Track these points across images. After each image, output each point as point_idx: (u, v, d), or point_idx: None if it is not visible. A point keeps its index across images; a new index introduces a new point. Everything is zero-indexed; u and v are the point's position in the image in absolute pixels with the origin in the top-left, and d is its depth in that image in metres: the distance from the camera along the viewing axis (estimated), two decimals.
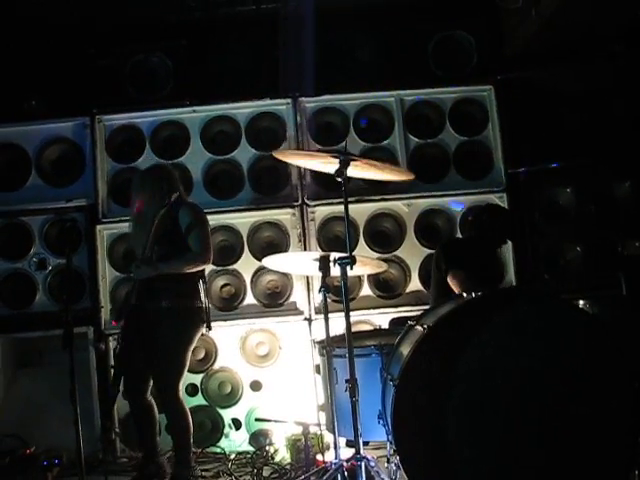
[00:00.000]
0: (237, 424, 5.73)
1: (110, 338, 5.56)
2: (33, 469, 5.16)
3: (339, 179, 3.80)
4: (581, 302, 4.36)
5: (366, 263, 4.38)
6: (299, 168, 5.70)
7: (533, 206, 5.86)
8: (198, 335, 4.76)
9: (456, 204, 5.87)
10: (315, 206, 5.81)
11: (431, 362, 3.45)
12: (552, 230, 5.84)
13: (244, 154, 5.92)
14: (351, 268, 3.81)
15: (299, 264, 4.58)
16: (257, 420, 5.57)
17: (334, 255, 4.00)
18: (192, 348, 4.75)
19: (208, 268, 5.61)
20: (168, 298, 4.62)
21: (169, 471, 4.79)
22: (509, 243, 5.69)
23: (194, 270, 4.66)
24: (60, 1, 5.64)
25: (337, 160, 3.80)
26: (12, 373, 6.00)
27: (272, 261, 4.48)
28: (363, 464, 3.71)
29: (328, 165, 3.90)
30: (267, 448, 5.34)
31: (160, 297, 4.61)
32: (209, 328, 4.78)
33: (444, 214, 5.89)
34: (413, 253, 5.80)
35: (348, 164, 3.77)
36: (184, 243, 4.65)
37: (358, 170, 3.90)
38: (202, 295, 4.75)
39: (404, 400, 3.46)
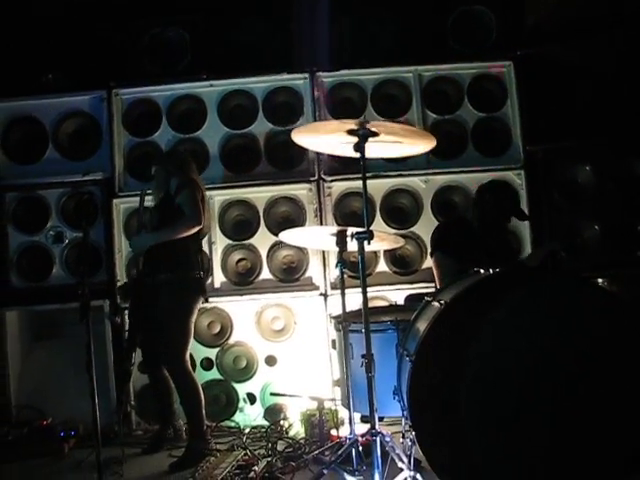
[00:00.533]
0: (252, 398, 5.75)
1: (126, 312, 5.58)
2: (50, 440, 5.25)
3: (358, 154, 3.77)
4: (600, 280, 4.32)
5: (383, 238, 4.37)
6: None
7: (551, 184, 5.79)
8: (198, 305, 4.95)
9: None
10: (332, 181, 5.78)
11: (447, 338, 3.44)
12: (570, 208, 5.78)
13: (261, 128, 5.90)
14: (369, 243, 3.79)
15: (316, 239, 4.57)
16: (272, 395, 5.59)
17: (351, 230, 3.99)
18: (194, 318, 4.92)
19: (223, 242, 5.71)
20: (166, 270, 4.79)
21: (185, 437, 4.89)
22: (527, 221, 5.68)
23: (188, 234, 4.78)
24: None
25: (354, 136, 3.76)
26: (29, 345, 6.06)
27: (289, 235, 4.48)
28: (378, 439, 3.71)
29: (345, 145, 3.86)
30: (281, 423, 5.36)
31: (159, 269, 4.80)
32: (205, 300, 5.07)
33: (461, 190, 5.84)
34: (430, 229, 5.68)
35: (367, 138, 3.74)
36: (176, 210, 4.80)
37: (378, 144, 3.85)
38: (199, 266, 4.94)
39: (420, 376, 3.46)
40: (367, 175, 3.87)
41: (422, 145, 4.04)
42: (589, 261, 5.65)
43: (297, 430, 5.21)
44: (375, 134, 3.76)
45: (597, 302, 3.44)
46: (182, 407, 4.96)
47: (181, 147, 5.86)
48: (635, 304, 3.61)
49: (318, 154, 5.74)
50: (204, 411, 4.90)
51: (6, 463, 5.03)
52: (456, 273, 4.30)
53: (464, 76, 5.94)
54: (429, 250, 5.02)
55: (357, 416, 4.34)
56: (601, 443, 3.34)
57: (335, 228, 4.16)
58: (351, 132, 3.75)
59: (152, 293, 4.82)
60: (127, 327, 5.09)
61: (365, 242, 3.80)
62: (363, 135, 3.73)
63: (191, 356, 5.65)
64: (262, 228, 5.83)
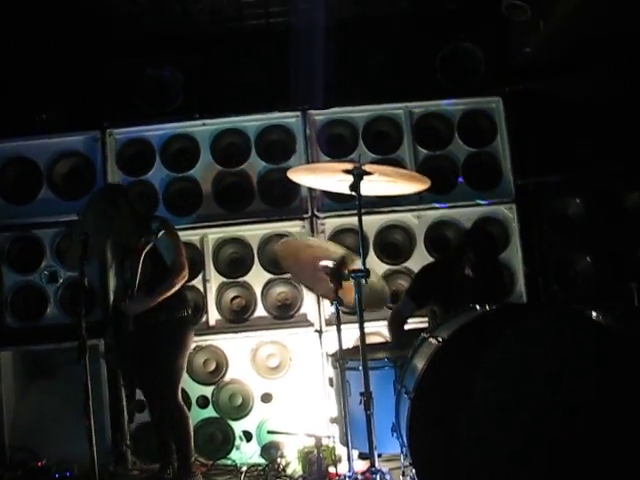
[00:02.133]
0: (248, 436, 5.73)
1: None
2: None
3: (353, 193, 3.82)
4: (593, 313, 4.35)
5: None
6: None
7: (542, 217, 5.86)
8: (191, 341, 5.07)
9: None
10: (325, 218, 5.83)
11: (446, 375, 3.45)
12: (561, 240, 5.84)
13: (254, 166, 5.94)
14: (366, 282, 3.83)
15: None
16: (268, 432, 5.56)
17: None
18: (187, 355, 5.02)
19: (218, 280, 5.75)
20: (160, 312, 4.82)
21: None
22: (518, 253, 5.74)
23: (177, 288, 4.87)
24: (71, 13, 5.65)
25: (350, 175, 3.81)
26: (23, 385, 6.01)
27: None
28: (378, 477, 3.72)
29: (340, 182, 3.91)
30: (279, 460, 5.33)
31: (153, 313, 4.79)
32: None
33: (454, 226, 5.89)
34: (423, 264, 5.79)
35: (362, 177, 3.79)
36: (159, 260, 4.84)
37: (372, 183, 3.90)
38: (188, 304, 5.07)
39: (420, 413, 3.47)
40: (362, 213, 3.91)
41: (416, 186, 4.10)
42: (581, 293, 5.70)
43: (294, 468, 5.17)
44: (370, 173, 3.81)
45: (593, 336, 3.48)
46: (174, 440, 4.99)
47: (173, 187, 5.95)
48: (628, 336, 3.62)
49: (311, 191, 5.79)
50: (192, 445, 4.97)
51: None
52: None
53: (454, 112, 6.01)
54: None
55: (355, 453, 4.35)
56: (604, 474, 3.36)
57: (331, 263, 4.18)
58: (347, 171, 3.81)
59: (147, 334, 4.82)
60: (121, 371, 5.09)
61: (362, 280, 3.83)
62: (358, 175, 3.79)
63: (187, 394, 5.69)
64: (256, 265, 5.85)
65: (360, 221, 3.87)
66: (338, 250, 4.18)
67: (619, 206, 5.85)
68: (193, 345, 5.22)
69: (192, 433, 4.96)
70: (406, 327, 5.47)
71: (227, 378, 5.79)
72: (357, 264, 4.02)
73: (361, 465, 4.21)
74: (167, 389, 4.86)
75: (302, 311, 5.81)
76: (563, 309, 3.64)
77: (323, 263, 4.21)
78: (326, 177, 3.96)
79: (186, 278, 4.94)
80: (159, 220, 4.92)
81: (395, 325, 5.08)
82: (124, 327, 4.80)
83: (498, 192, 5.91)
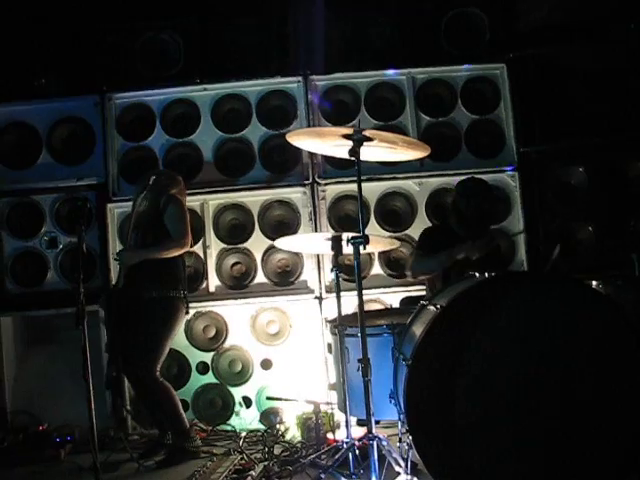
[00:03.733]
0: (248, 402, 5.75)
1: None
2: (46, 446, 5.22)
3: (353, 158, 3.78)
4: (594, 283, 4.33)
5: (378, 241, 4.37)
6: None
7: (545, 185, 5.82)
8: (181, 322, 5.08)
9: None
10: (326, 184, 5.79)
11: (444, 342, 3.45)
12: (564, 210, 5.81)
13: (255, 132, 5.90)
14: (364, 248, 3.81)
15: (311, 244, 4.59)
16: (268, 398, 5.58)
17: (346, 235, 4.01)
18: (175, 334, 5.03)
19: (218, 246, 5.72)
20: (152, 288, 4.88)
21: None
22: (520, 222, 5.71)
23: (174, 255, 4.92)
24: None
25: (350, 140, 3.78)
26: (24, 351, 6.05)
27: (284, 242, 4.50)
28: (375, 443, 3.72)
29: (340, 147, 3.87)
30: (278, 426, 5.36)
31: (144, 285, 4.87)
32: (187, 312, 5.13)
33: None
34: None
35: (362, 142, 3.75)
36: (165, 230, 4.93)
37: (373, 149, 3.86)
38: (185, 283, 5.06)
39: (417, 380, 3.47)
40: (361, 178, 3.88)
41: (416, 152, 4.06)
42: (582, 263, 5.67)
43: (293, 434, 5.20)
44: (370, 139, 3.77)
45: (592, 305, 3.47)
46: (160, 415, 5.04)
47: (175, 151, 5.91)
48: (628, 306, 3.60)
49: (312, 157, 5.75)
50: (182, 411, 4.98)
51: (2, 469, 5.01)
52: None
53: (457, 78, 5.94)
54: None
55: (353, 419, 4.36)
56: (598, 444, 3.36)
57: (330, 234, 4.18)
58: (347, 136, 3.77)
59: (135, 307, 4.88)
60: (107, 336, 5.11)
61: (360, 246, 3.81)
62: (358, 140, 3.75)
63: (187, 360, 5.71)
64: (257, 232, 5.83)
65: (359, 187, 3.83)
66: None
67: (622, 175, 5.81)
68: (193, 311, 5.23)
69: (178, 404, 4.95)
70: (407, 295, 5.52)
71: (227, 344, 5.80)
72: None
73: (359, 431, 4.21)
74: (145, 365, 4.86)
75: (302, 278, 5.80)
76: (562, 278, 3.61)
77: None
78: (326, 141, 3.92)
79: (185, 249, 4.97)
80: (166, 195, 5.00)
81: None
82: (115, 289, 4.92)
83: (501, 160, 5.86)
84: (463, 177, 5.65)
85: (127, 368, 4.97)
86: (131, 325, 4.86)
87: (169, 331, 4.95)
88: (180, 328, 5.14)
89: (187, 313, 5.11)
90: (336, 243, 4.20)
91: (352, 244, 3.83)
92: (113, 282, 5.62)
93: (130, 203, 5.25)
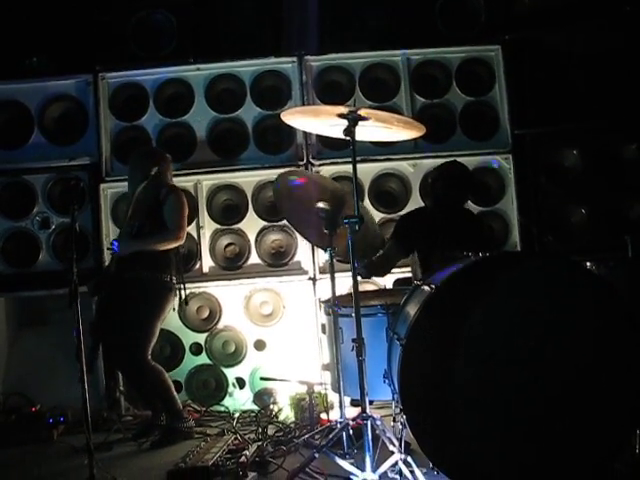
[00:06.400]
0: (241, 383, 5.75)
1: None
2: (38, 427, 5.22)
3: (347, 137, 3.77)
4: (588, 264, 4.34)
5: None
6: None
7: (539, 167, 5.81)
8: (169, 307, 5.07)
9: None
10: (320, 165, 5.77)
11: (438, 322, 3.44)
12: (557, 192, 5.80)
13: (249, 113, 5.86)
14: (358, 228, 3.80)
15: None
16: (261, 379, 5.58)
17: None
18: (163, 318, 5.05)
19: (212, 227, 5.71)
20: (143, 269, 4.91)
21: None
22: (514, 204, 5.71)
23: (167, 247, 4.96)
24: None
25: (345, 119, 3.76)
26: (16, 332, 6.04)
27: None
28: (369, 423, 3.73)
29: (335, 127, 3.85)
30: (271, 407, 5.37)
31: (135, 267, 4.89)
32: (186, 304, 5.26)
33: None
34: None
35: (357, 122, 3.73)
36: (163, 222, 4.96)
37: (368, 128, 3.85)
38: (174, 270, 5.07)
39: (411, 359, 3.46)
40: (356, 159, 3.86)
41: (412, 132, 4.05)
42: (576, 245, 5.68)
43: (287, 414, 5.21)
44: (365, 118, 3.76)
45: (587, 284, 3.47)
46: (152, 397, 5.08)
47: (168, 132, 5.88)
48: (621, 288, 3.61)
49: (306, 138, 5.73)
50: (174, 392, 5.01)
51: None
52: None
53: (452, 60, 5.92)
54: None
55: (347, 400, 4.37)
56: (592, 424, 3.37)
57: (326, 205, 4.18)
58: (341, 115, 3.75)
59: (124, 288, 4.89)
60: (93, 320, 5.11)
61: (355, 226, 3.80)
62: (353, 119, 3.73)
63: (180, 341, 5.70)
64: (250, 212, 5.81)
65: (354, 167, 3.82)
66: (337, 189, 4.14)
67: (616, 158, 5.81)
68: (187, 292, 5.21)
69: (170, 386, 4.99)
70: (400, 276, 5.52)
71: (220, 325, 5.79)
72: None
73: (353, 412, 4.22)
74: (136, 348, 4.87)
75: (296, 259, 5.79)
76: (557, 257, 3.61)
77: (320, 205, 4.20)
78: (321, 121, 3.90)
79: (179, 242, 5.01)
80: (167, 187, 5.05)
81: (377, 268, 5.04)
82: (105, 275, 4.98)
83: (495, 142, 5.86)
84: (457, 159, 5.69)
85: (115, 355, 5.02)
86: (119, 307, 4.88)
87: (158, 314, 4.97)
88: (169, 310, 5.10)
89: (186, 304, 5.27)
90: (330, 222, 4.18)
91: (347, 224, 3.81)
92: (105, 264, 5.61)
93: (123, 184, 5.23)
